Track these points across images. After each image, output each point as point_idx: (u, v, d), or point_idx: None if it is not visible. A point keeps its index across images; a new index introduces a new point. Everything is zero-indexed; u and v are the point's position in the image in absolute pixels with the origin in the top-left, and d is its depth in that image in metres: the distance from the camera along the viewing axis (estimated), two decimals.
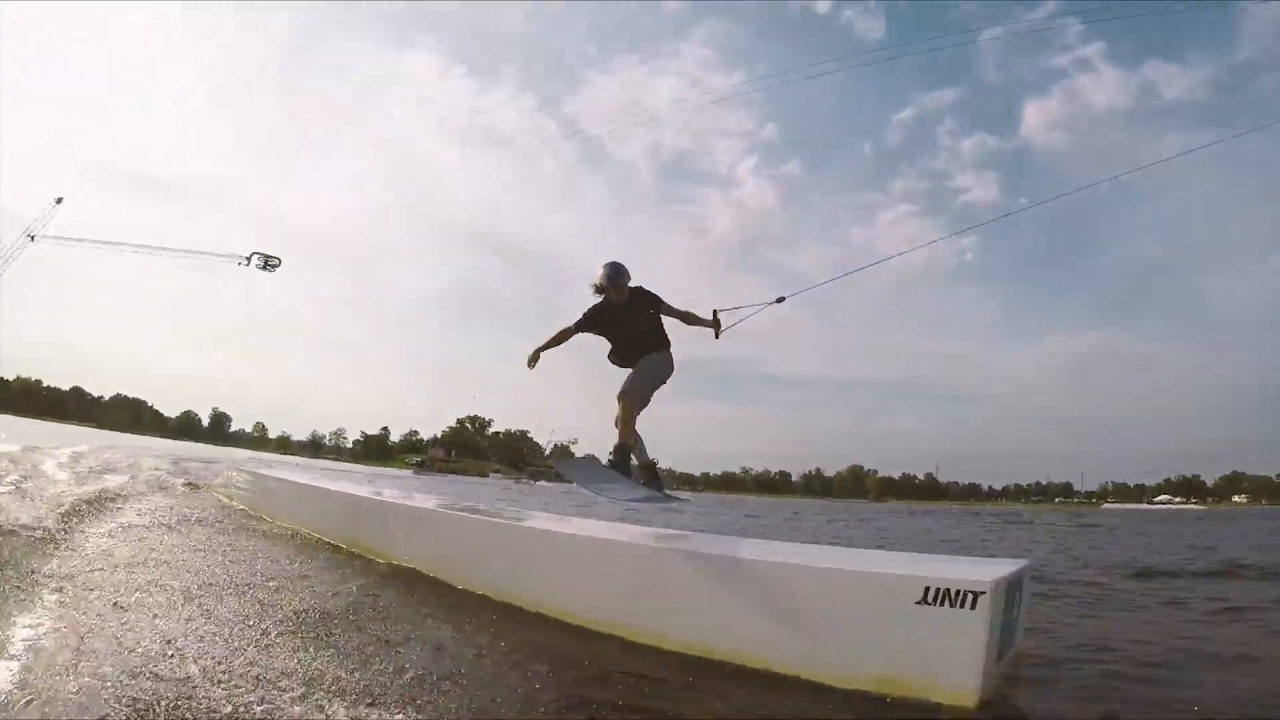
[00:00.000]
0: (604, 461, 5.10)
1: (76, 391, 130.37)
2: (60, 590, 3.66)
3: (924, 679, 2.96)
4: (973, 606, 2.89)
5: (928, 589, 3.01)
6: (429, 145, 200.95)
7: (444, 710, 2.57)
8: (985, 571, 3.19)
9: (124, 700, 2.26)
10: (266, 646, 3.03)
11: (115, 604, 3.49)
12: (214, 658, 2.76)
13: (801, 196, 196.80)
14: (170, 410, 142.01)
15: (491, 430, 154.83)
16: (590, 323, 5.24)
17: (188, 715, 2.21)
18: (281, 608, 3.82)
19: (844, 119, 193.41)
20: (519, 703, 2.78)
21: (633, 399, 5.07)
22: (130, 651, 2.77)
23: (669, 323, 5.36)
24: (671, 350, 5.28)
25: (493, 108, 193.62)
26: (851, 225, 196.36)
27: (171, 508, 8.25)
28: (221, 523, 7.59)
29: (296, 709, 2.34)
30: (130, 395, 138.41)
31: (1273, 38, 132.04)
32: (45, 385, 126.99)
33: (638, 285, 5.24)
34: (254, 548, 6.09)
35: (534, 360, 5.40)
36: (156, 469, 14.38)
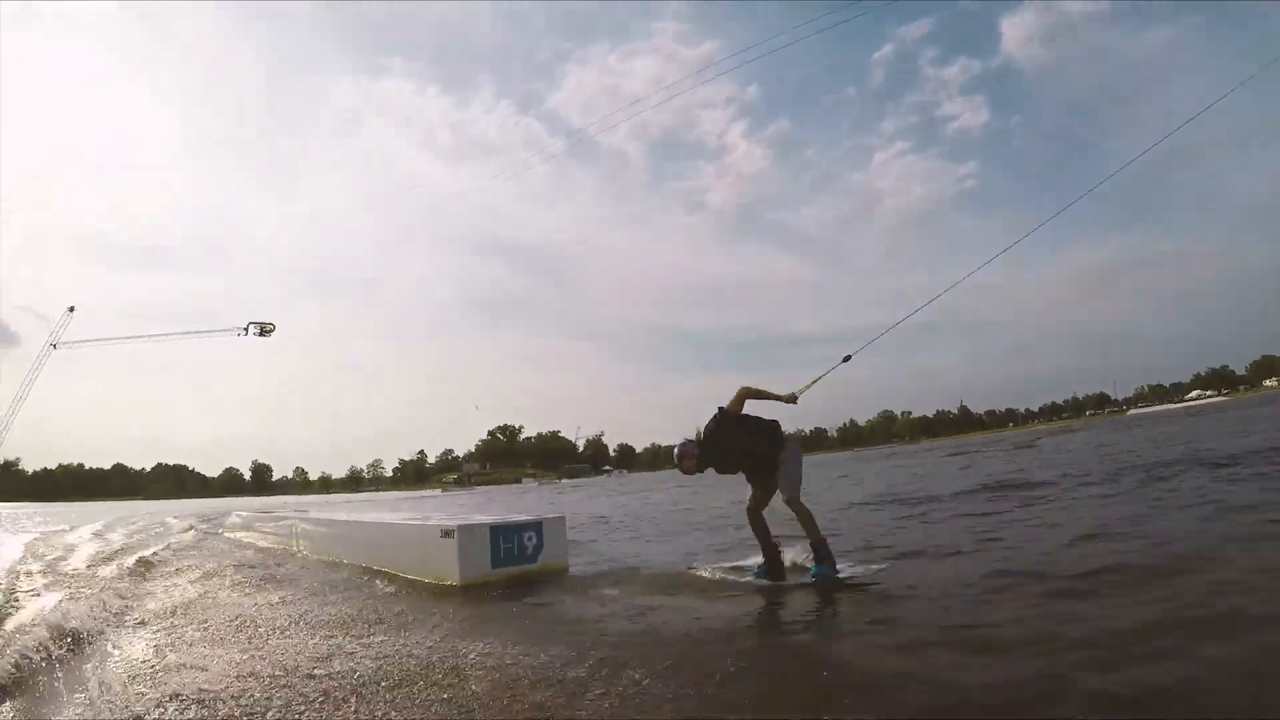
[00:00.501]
0: (818, 563, 5.33)
1: (118, 468, 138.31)
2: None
3: (445, 573, 6.53)
4: (452, 538, 6.48)
5: (443, 530, 6.62)
6: (418, 166, 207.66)
7: (315, 593, 6.26)
8: (473, 520, 6.86)
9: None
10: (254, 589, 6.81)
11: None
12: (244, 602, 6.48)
13: (795, 153, 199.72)
14: (212, 470, 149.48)
15: (523, 436, 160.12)
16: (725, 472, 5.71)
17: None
18: (250, 574, 7.88)
19: (824, 66, 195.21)
20: (337, 588, 6.45)
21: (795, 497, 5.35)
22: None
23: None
24: (785, 443, 5.54)
25: (474, 118, 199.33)
26: (849, 172, 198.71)
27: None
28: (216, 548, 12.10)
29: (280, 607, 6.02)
30: (170, 463, 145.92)
31: None
32: (87, 467, 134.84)
33: (706, 431, 5.52)
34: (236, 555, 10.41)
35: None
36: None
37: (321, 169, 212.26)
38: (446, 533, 6.60)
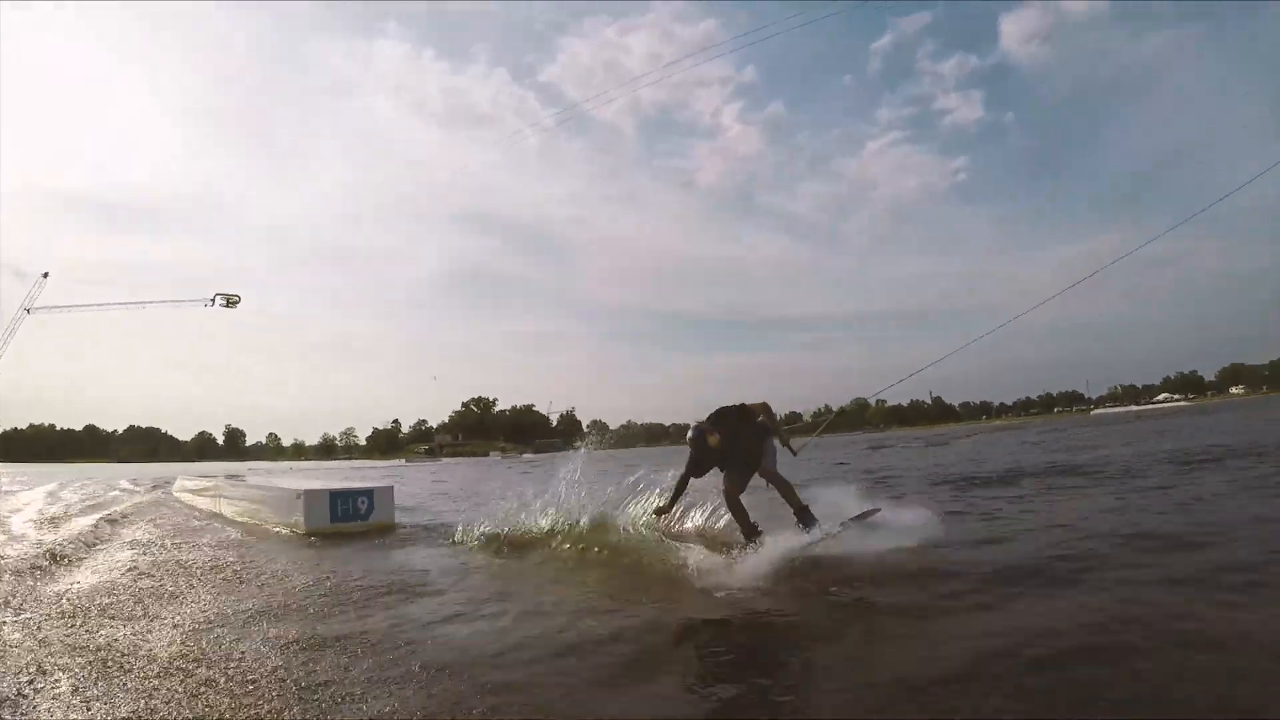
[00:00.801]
0: (807, 528, 5.77)
1: (90, 429, 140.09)
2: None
3: (298, 523, 9.66)
4: (300, 499, 9.61)
5: (297, 494, 9.79)
6: (410, 133, 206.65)
7: (204, 536, 9.30)
8: (319, 486, 9.99)
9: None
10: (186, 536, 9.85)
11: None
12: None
13: (788, 136, 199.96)
14: (184, 434, 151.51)
15: (497, 409, 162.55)
16: (702, 468, 6.25)
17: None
18: (172, 525, 10.69)
19: (822, 52, 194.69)
20: (214, 532, 9.56)
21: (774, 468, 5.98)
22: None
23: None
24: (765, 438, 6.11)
25: (468, 86, 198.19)
26: (842, 159, 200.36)
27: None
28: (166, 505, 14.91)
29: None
30: (143, 426, 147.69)
31: None
32: (59, 428, 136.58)
33: (725, 418, 6.13)
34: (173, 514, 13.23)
35: (667, 515, 6.52)
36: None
37: (312, 136, 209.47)
38: (298, 495, 9.74)
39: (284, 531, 9.81)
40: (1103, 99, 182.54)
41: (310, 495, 9.70)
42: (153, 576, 6.38)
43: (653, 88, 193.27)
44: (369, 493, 10.20)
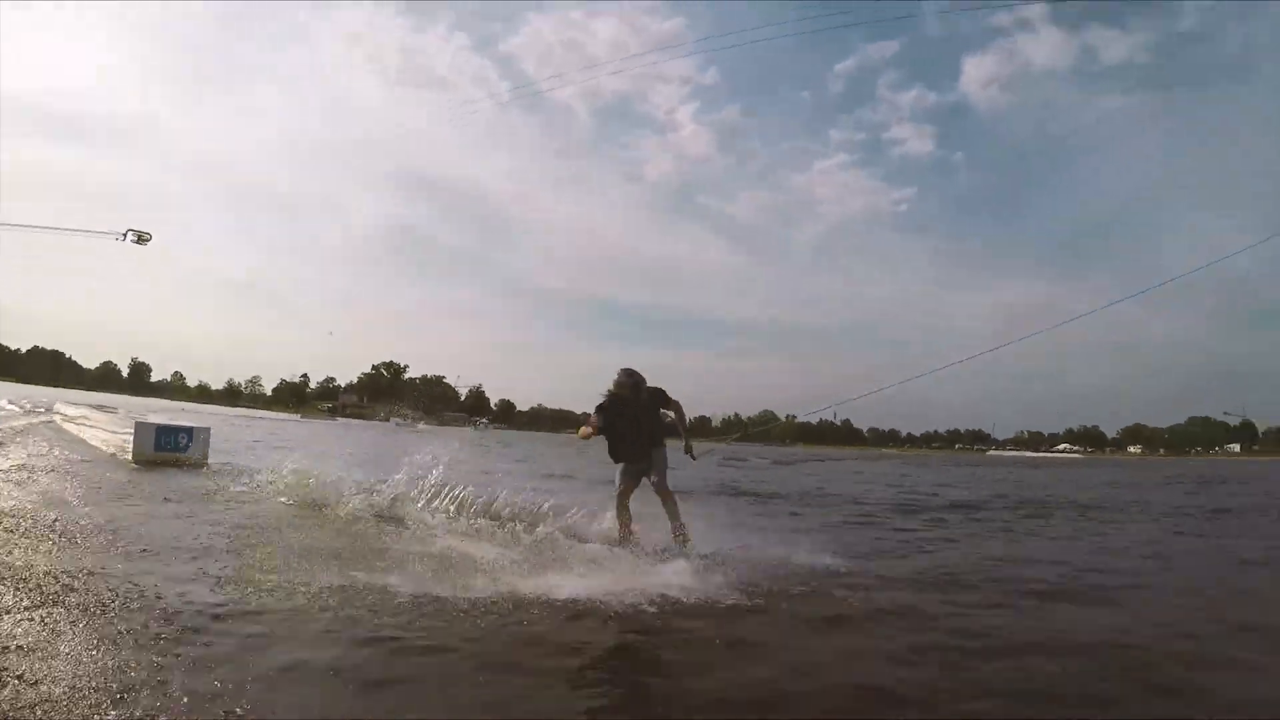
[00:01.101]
0: (683, 545, 6.08)
1: None
2: None
3: (129, 452, 13.12)
4: (132, 431, 13.15)
5: (133, 424, 13.31)
6: (360, 85, 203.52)
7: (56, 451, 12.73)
8: (148, 420, 13.61)
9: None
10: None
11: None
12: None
13: (740, 143, 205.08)
14: (90, 361, 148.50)
15: (408, 376, 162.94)
16: (608, 416, 6.37)
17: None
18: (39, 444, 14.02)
19: (786, 65, 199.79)
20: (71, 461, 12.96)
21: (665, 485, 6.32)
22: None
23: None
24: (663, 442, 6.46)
25: (427, 47, 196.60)
26: (788, 172, 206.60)
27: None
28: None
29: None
30: (48, 348, 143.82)
31: (1214, 10, 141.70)
32: None
33: (646, 392, 6.36)
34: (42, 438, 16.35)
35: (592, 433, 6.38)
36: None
37: (258, 74, 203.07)
38: (131, 426, 13.21)
39: (121, 457, 13.15)
40: (1055, 151, 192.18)
41: (140, 427, 13.13)
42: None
43: (613, 77, 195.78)
44: (189, 431, 13.59)
